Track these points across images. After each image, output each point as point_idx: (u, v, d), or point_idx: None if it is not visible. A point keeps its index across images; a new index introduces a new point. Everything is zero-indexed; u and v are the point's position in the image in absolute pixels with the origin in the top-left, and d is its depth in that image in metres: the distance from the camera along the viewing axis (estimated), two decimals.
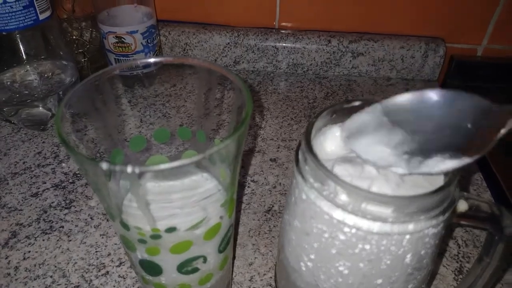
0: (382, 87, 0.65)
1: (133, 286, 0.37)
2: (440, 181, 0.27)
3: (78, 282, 0.37)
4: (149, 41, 0.57)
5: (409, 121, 0.26)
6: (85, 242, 0.41)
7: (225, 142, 0.23)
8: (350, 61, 0.66)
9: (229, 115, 0.33)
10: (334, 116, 0.31)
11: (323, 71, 0.68)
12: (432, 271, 0.30)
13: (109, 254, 0.40)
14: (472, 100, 0.25)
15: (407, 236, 0.25)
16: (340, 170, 0.26)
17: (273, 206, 0.45)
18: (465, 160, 0.24)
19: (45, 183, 0.47)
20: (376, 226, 0.24)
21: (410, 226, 0.25)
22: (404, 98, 0.27)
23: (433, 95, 0.26)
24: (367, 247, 0.25)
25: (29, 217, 0.43)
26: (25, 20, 0.47)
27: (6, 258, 0.39)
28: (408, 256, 0.26)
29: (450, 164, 0.24)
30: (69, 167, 0.49)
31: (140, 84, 0.53)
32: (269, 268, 0.39)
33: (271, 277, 0.38)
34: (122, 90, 0.37)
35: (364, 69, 0.67)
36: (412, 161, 0.25)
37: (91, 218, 0.43)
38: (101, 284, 0.37)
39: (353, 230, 0.25)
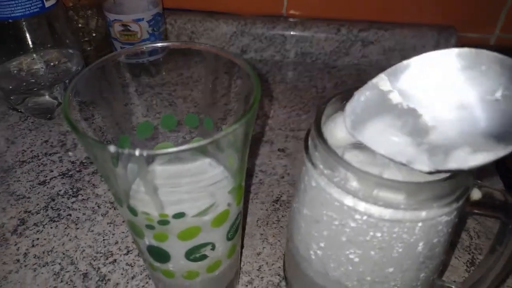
0: None
1: (141, 274, 0.37)
2: None
3: (86, 270, 0.37)
4: (155, 29, 0.56)
5: (424, 93, 0.24)
6: (92, 230, 0.41)
7: (233, 127, 0.22)
8: (360, 50, 0.65)
9: (236, 104, 0.32)
10: (344, 103, 0.30)
11: (332, 60, 0.67)
12: (444, 260, 0.30)
13: (116, 242, 0.39)
14: (498, 60, 0.21)
15: (420, 224, 0.25)
16: (351, 157, 0.26)
17: (281, 196, 0.44)
18: (500, 151, 0.20)
19: (53, 171, 0.47)
20: (387, 213, 0.24)
21: (423, 214, 0.24)
22: (413, 64, 0.24)
23: (448, 56, 0.22)
24: (379, 234, 0.25)
25: (37, 204, 0.43)
26: (31, 8, 0.47)
27: (15, 244, 0.39)
28: (420, 244, 0.26)
29: (482, 157, 0.20)
30: (76, 156, 0.49)
31: (147, 73, 0.53)
32: (278, 258, 0.38)
33: (279, 267, 0.38)
34: (129, 79, 0.36)
35: (374, 58, 0.66)
36: (435, 152, 0.22)
37: (98, 206, 0.43)
38: (109, 271, 0.37)
39: (364, 217, 0.24)
